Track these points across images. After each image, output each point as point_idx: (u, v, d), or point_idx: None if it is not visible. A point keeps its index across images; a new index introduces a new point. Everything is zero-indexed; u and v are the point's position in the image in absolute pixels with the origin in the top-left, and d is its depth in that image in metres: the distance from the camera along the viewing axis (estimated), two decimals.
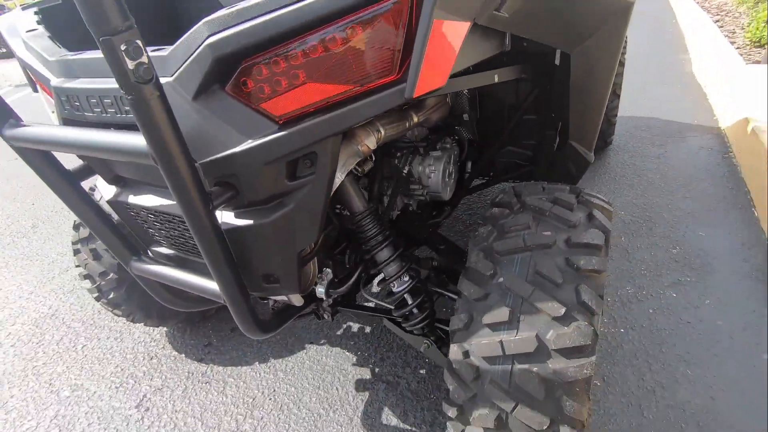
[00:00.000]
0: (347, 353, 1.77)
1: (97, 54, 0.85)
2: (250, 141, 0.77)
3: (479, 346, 0.91)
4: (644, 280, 1.90)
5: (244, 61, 0.71)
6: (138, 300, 1.69)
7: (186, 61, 0.72)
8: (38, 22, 1.07)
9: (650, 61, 4.93)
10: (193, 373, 1.77)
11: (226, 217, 0.91)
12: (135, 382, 1.77)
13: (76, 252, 1.66)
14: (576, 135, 1.37)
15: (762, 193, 2.29)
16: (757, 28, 4.56)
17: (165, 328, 2.01)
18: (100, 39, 0.56)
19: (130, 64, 0.58)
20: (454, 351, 0.96)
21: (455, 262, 1.44)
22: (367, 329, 1.87)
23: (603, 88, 1.27)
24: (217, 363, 1.81)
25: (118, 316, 1.77)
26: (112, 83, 0.81)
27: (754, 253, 1.98)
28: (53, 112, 1.14)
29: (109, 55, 0.57)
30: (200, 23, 0.70)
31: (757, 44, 4.54)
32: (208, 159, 0.79)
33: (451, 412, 0.99)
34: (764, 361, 1.52)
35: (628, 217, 2.36)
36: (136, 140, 0.71)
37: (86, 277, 1.66)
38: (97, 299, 1.72)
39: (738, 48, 4.65)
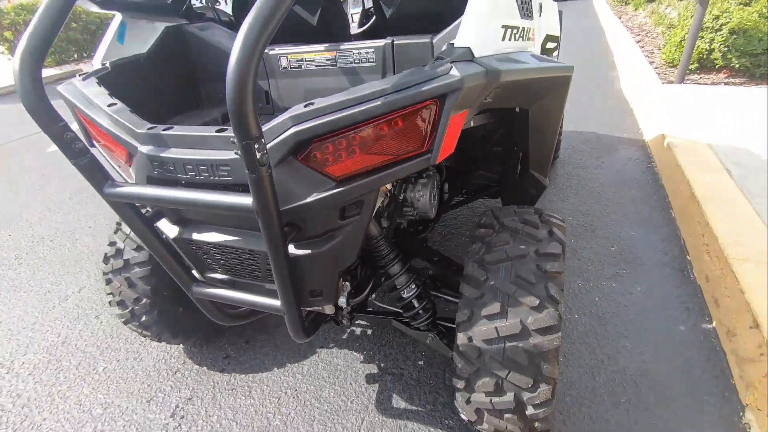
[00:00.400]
0: (355, 353, 2.06)
1: (190, 131, 1.11)
2: (315, 194, 1.07)
3: (480, 332, 1.25)
4: (590, 274, 2.35)
5: (314, 141, 1.01)
6: (167, 321, 1.89)
7: (273, 141, 1.01)
8: (110, 95, 1.29)
9: (585, 79, 5.57)
10: (218, 383, 1.99)
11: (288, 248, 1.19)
12: (164, 395, 1.96)
13: (108, 282, 1.84)
14: (534, 165, 1.75)
15: (677, 198, 2.83)
16: (670, 51, 5.31)
17: (182, 346, 2.20)
18: (243, 143, 0.84)
19: (258, 155, 0.87)
20: (461, 338, 1.29)
21: (446, 269, 1.78)
22: (369, 331, 2.17)
23: (553, 130, 1.66)
24: (239, 371, 2.04)
25: (146, 336, 1.95)
26: (208, 155, 1.08)
27: (672, 247, 2.49)
28: (119, 166, 1.37)
29: (246, 152, 0.85)
30: (287, 116, 0.99)
31: (671, 65, 5.28)
32: (286, 208, 1.07)
33: (460, 384, 1.32)
34: (680, 331, 1.98)
35: (575, 222, 2.82)
36: (244, 200, 0.98)
37: (119, 303, 1.84)
38: (126, 323, 1.90)
39: (656, 67, 5.38)
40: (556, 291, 1.24)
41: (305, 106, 1.00)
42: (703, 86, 4.51)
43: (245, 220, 1.22)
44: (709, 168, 2.73)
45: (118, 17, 1.61)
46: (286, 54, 1.74)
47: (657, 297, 2.17)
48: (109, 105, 1.24)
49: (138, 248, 1.78)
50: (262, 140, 0.87)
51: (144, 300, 1.81)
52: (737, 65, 4.61)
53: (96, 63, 1.50)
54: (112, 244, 1.85)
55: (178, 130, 1.12)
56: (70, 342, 2.32)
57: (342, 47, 1.65)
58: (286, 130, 1.00)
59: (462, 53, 1.02)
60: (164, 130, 1.14)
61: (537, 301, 1.22)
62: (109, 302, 1.88)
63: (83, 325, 2.43)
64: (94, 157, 1.13)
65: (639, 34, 7.45)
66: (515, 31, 1.30)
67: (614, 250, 2.52)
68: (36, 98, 1.01)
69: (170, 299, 1.87)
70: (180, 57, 1.80)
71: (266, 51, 1.77)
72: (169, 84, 1.75)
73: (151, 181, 1.19)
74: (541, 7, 1.77)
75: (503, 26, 1.21)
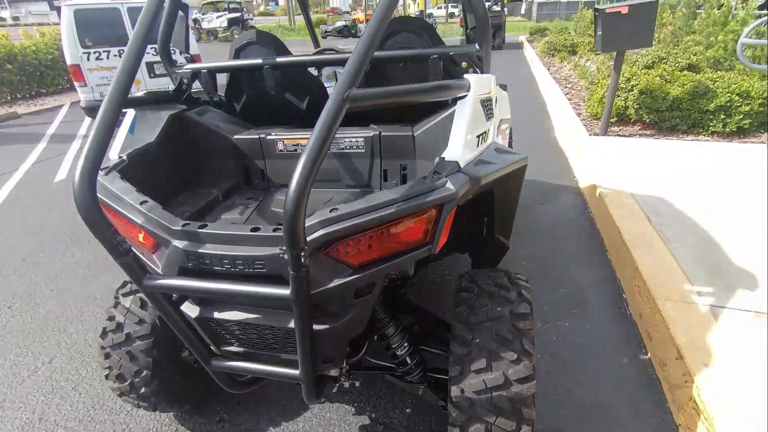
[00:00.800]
0: (346, 406, 2.20)
1: (224, 229, 1.28)
2: (337, 280, 1.27)
3: (470, 385, 1.48)
4: (547, 316, 2.68)
5: (337, 240, 1.23)
6: (165, 391, 1.94)
7: None
8: (137, 191, 1.44)
9: (525, 129, 6.21)
10: None
11: None
12: None
13: (107, 356, 1.88)
14: (498, 230, 2.07)
15: (611, 243, 3.29)
16: (593, 105, 6.10)
17: (172, 413, 2.23)
18: (293, 252, 1.05)
19: (302, 260, 1.07)
20: (454, 390, 1.51)
21: (431, 324, 2.02)
22: (357, 383, 2.33)
23: (514, 202, 1.99)
24: None
25: (141, 407, 1.98)
26: (244, 251, 1.26)
27: (610, 287, 2.91)
28: (142, 253, 1.50)
29: (294, 258, 1.06)
30: (316, 221, 1.21)
31: (595, 117, 6.05)
32: (312, 292, 1.26)
33: (455, 431, 1.54)
34: (624, 363, 2.34)
35: (529, 266, 3.19)
36: (282, 291, 1.17)
37: (117, 377, 1.88)
38: (122, 395, 1.92)
39: (583, 119, 6.13)
40: (529, 345, 1.51)
41: (330, 212, 1.22)
42: (623, 138, 5.25)
43: (269, 301, 1.40)
44: (634, 216, 3.24)
45: (131, 113, 1.76)
46: (283, 139, 1.97)
47: (603, 333, 2.54)
48: (141, 203, 1.38)
49: (140, 322, 1.86)
50: (306, 248, 1.08)
51: (145, 372, 1.87)
52: (648, 120, 5.42)
53: (113, 156, 1.64)
54: (110, 318, 1.90)
55: (212, 228, 1.30)
56: (47, 418, 2.26)
57: (335, 135, 1.90)
58: (315, 231, 1.21)
59: (452, 167, 1.31)
60: (199, 228, 1.30)
61: (515, 356, 1.48)
62: (106, 376, 1.91)
63: (60, 398, 2.37)
64: (135, 255, 1.27)
65: (566, 86, 8.43)
66: (484, 135, 1.62)
67: (564, 292, 2.89)
68: (92, 209, 1.15)
69: (169, 369, 1.94)
70: (182, 140, 1.97)
71: (264, 136, 1.98)
72: (173, 165, 1.90)
73: (183, 271, 1.34)
74: (496, 100, 2.14)
75: (477, 136, 1.52)
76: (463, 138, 1.40)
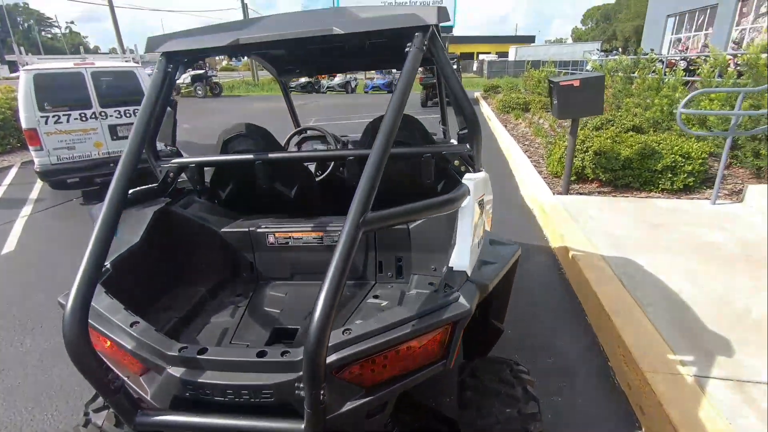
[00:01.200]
0: None
1: (227, 355, 1.20)
2: (349, 404, 1.21)
3: None
4: (540, 390, 2.62)
5: (347, 365, 1.18)
6: None
7: None
8: (125, 309, 1.34)
9: (494, 189, 6.45)
10: None
11: None
12: None
13: None
14: (493, 315, 2.07)
15: (589, 308, 3.38)
16: (553, 165, 6.47)
17: None
18: (312, 392, 0.98)
19: (321, 398, 1.01)
20: None
21: (430, 420, 1.94)
22: None
23: (509, 288, 2.01)
24: None
25: None
26: (250, 379, 1.17)
27: (594, 355, 2.95)
28: (127, 376, 1.37)
29: (313, 397, 0.99)
30: (329, 344, 1.16)
31: (556, 176, 6.41)
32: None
33: None
34: None
35: (514, 334, 3.19)
36: (295, 425, 1.09)
37: None
38: None
39: (545, 177, 6.45)
40: None
41: (343, 333, 1.18)
42: (584, 196, 5.57)
43: None
44: (608, 280, 3.36)
45: None
46: (274, 232, 1.93)
47: (595, 407, 2.53)
48: (132, 324, 1.28)
49: (117, 424, 1.67)
50: (325, 385, 1.02)
51: None
52: (604, 178, 5.80)
53: None
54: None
55: (213, 354, 1.21)
56: None
57: (328, 228, 1.89)
58: (328, 355, 1.16)
59: (461, 278, 1.32)
60: (198, 353, 1.21)
61: None
62: None
63: None
64: (127, 391, 1.15)
65: (525, 144, 8.94)
66: (479, 230, 1.66)
67: (551, 363, 2.90)
68: (82, 346, 1.05)
69: None
70: (167, 236, 1.88)
71: (254, 229, 1.94)
72: (159, 264, 1.81)
73: (178, 401, 1.23)
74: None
75: (476, 235, 1.56)
76: (469, 246, 1.42)
